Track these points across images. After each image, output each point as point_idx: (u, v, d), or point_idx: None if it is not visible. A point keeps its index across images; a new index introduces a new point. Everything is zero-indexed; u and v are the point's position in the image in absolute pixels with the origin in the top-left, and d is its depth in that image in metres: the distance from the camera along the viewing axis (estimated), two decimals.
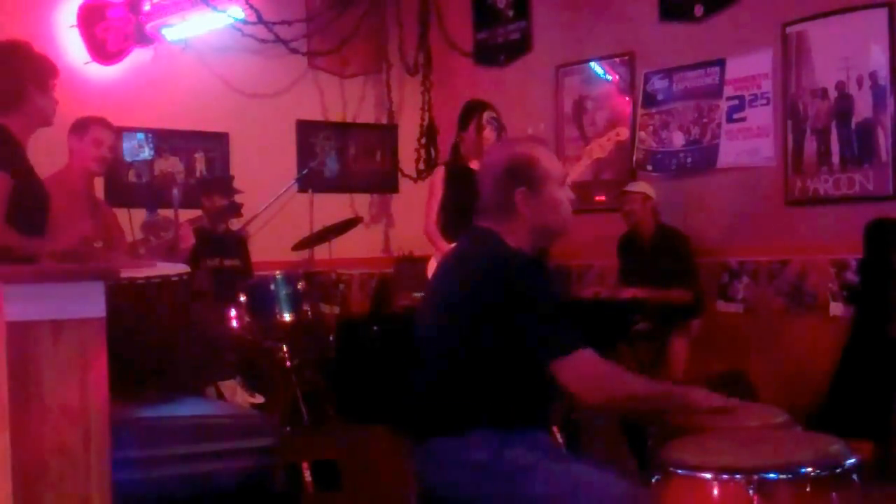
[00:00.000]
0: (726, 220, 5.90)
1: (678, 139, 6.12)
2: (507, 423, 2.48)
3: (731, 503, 2.10)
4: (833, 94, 5.36)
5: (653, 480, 2.25)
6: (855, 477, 2.17)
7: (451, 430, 2.49)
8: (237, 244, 6.00)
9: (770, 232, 5.69)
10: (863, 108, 5.24)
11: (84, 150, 4.40)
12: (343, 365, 5.08)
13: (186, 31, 6.41)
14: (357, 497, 4.20)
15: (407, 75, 7.27)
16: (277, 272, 5.50)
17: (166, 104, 6.47)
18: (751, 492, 2.06)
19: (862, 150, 5.26)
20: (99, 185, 5.46)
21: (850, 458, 2.17)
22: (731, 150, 5.82)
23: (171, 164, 6.58)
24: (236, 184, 6.02)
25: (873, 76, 5.19)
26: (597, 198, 6.58)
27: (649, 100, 6.28)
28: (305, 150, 7.15)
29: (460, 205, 4.93)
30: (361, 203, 7.35)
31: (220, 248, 5.80)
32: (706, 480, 2.13)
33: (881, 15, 5.15)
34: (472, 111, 5.19)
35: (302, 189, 6.74)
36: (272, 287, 5.41)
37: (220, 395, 4.70)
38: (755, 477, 2.08)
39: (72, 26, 6.15)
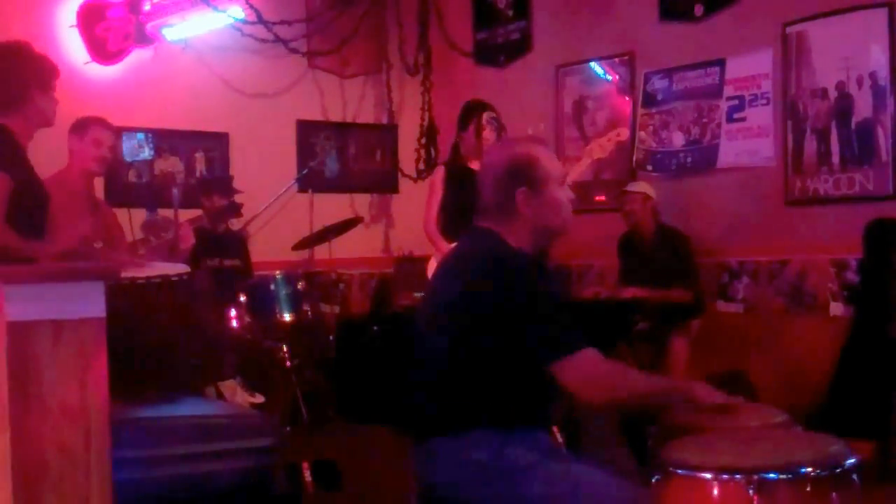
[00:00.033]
0: (726, 220, 5.90)
1: (678, 139, 6.12)
2: (508, 423, 2.48)
3: (731, 503, 2.10)
4: (833, 94, 5.36)
5: (653, 480, 2.25)
6: (855, 477, 2.17)
7: (451, 430, 2.49)
8: (237, 244, 6.00)
9: (770, 232, 5.69)
10: (863, 108, 5.24)
11: (84, 150, 4.41)
12: (343, 365, 5.08)
13: (186, 31, 6.41)
14: (357, 497, 4.20)
15: (407, 75, 7.27)
16: (277, 272, 5.50)
17: (166, 104, 6.47)
18: (751, 492, 2.06)
19: (862, 150, 5.26)
20: (99, 185, 5.46)
21: (850, 458, 2.17)
22: (731, 150, 5.82)
23: (171, 164, 6.58)
24: (236, 184, 6.02)
25: (873, 76, 5.20)
26: (597, 198, 6.58)
27: (649, 100, 6.28)
28: (305, 150, 7.15)
29: (460, 205, 4.94)
30: (361, 203, 7.36)
31: (220, 248, 5.80)
32: (706, 480, 2.13)
33: (881, 15, 5.16)
34: (471, 111, 5.19)
35: (302, 189, 6.74)
36: (272, 287, 5.41)
37: (220, 395, 4.70)
38: (755, 477, 2.08)
39: (72, 26, 6.15)
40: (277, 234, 6.42)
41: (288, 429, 5.04)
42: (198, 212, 5.69)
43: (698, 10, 5.98)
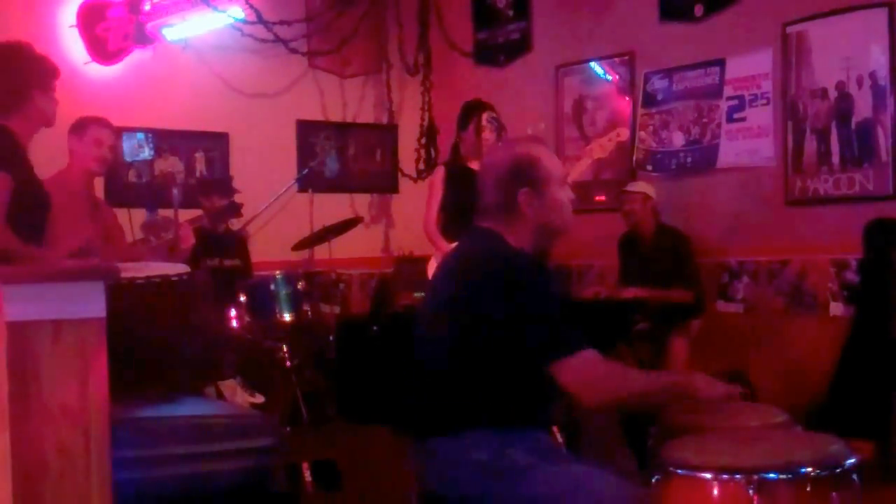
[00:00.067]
0: (726, 220, 5.90)
1: (678, 139, 6.12)
2: (508, 423, 2.48)
3: (731, 503, 2.11)
4: (833, 94, 5.36)
5: (653, 480, 2.25)
6: (855, 477, 2.17)
7: (451, 430, 2.49)
8: (237, 244, 6.00)
9: (770, 232, 5.69)
10: (863, 108, 5.24)
11: (84, 150, 4.40)
12: (343, 365, 5.08)
13: (186, 31, 6.41)
14: (357, 497, 4.20)
15: (407, 75, 7.27)
16: (277, 272, 5.49)
17: (166, 104, 6.47)
18: (751, 492, 2.06)
19: (862, 150, 5.26)
20: (99, 185, 5.46)
21: (850, 458, 2.17)
22: (731, 150, 5.82)
23: (171, 164, 6.58)
24: (236, 184, 6.02)
25: (873, 76, 5.20)
26: (597, 198, 6.58)
27: (649, 100, 6.28)
28: (305, 150, 7.15)
29: (460, 205, 4.94)
30: (361, 203, 7.36)
31: (220, 248, 5.80)
32: (706, 480, 2.13)
33: (881, 15, 5.16)
34: (471, 111, 5.19)
35: (302, 189, 6.74)
36: (272, 287, 5.40)
37: (220, 395, 4.69)
38: (755, 477, 2.08)
39: (72, 26, 6.15)
40: (277, 234, 6.42)
41: (288, 429, 5.03)
42: (198, 212, 5.69)
43: (698, 10, 5.98)
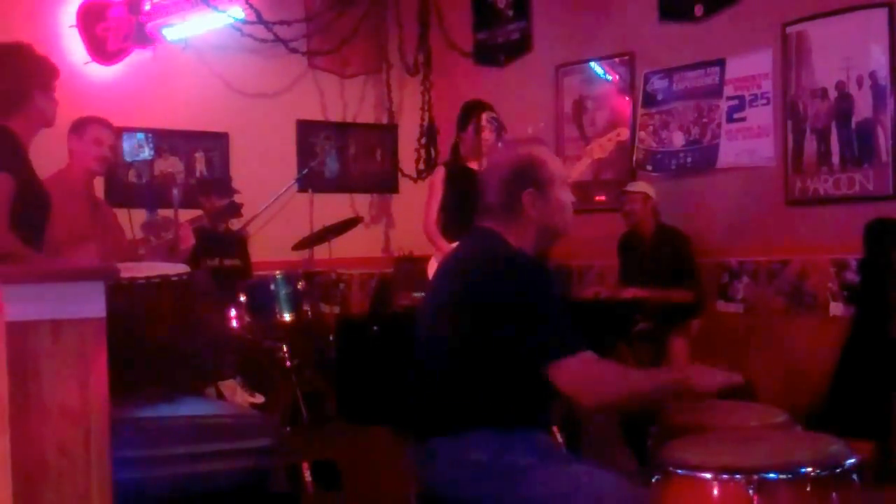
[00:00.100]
0: (726, 220, 5.90)
1: (678, 139, 6.12)
2: (508, 423, 2.48)
3: (731, 503, 2.11)
4: (833, 94, 5.36)
5: (653, 480, 2.25)
6: (855, 477, 2.17)
7: (451, 431, 2.49)
8: (237, 244, 6.00)
9: (770, 232, 5.70)
10: (863, 108, 5.24)
11: (84, 149, 4.40)
12: (343, 365, 5.07)
13: (186, 31, 6.41)
14: (357, 497, 4.20)
15: (407, 75, 7.27)
16: (277, 272, 5.49)
17: (166, 104, 6.47)
18: (751, 492, 2.06)
19: (862, 150, 5.26)
20: (99, 185, 5.45)
21: (850, 458, 2.17)
22: (731, 150, 5.82)
23: (171, 164, 6.59)
24: (236, 184, 6.02)
25: (873, 76, 5.20)
26: (597, 198, 6.58)
27: (649, 100, 6.28)
28: (305, 150, 7.15)
29: (460, 205, 4.94)
30: (361, 203, 7.36)
31: (220, 248, 5.80)
32: (706, 480, 2.13)
33: (881, 15, 5.15)
34: (470, 111, 5.19)
35: (302, 189, 6.74)
36: (272, 287, 5.40)
37: (220, 395, 4.69)
38: (755, 477, 2.08)
39: (72, 26, 6.16)
40: (277, 234, 6.41)
41: (288, 429, 5.04)
42: (198, 212, 5.67)
43: (698, 10, 5.98)
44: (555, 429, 3.43)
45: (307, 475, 4.16)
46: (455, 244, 3.14)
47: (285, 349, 5.34)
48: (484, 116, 5.07)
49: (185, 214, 5.06)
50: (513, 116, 5.98)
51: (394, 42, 7.33)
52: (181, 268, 3.76)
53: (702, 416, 2.69)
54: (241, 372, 5.04)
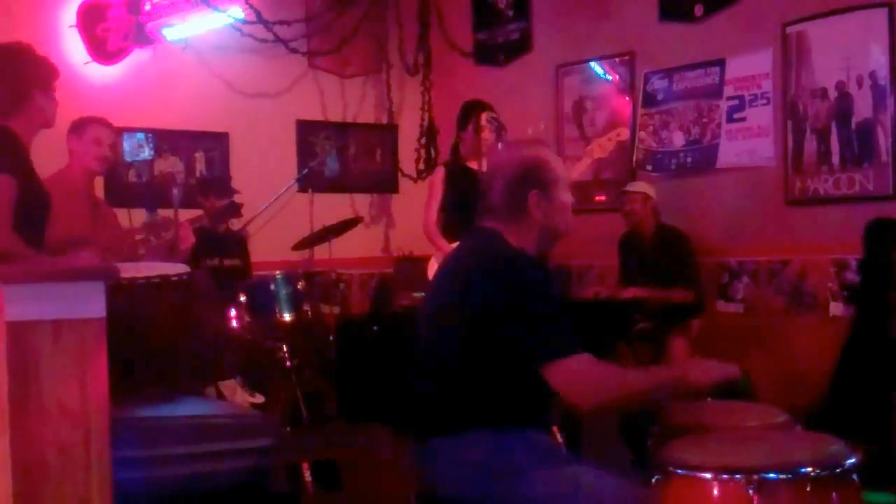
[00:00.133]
0: (726, 220, 5.90)
1: (678, 139, 6.12)
2: (508, 423, 2.48)
3: (731, 503, 2.11)
4: (833, 94, 5.36)
5: (653, 480, 2.25)
6: (855, 477, 2.17)
7: (451, 430, 2.49)
8: (237, 244, 6.00)
9: (770, 232, 5.70)
10: (863, 108, 5.24)
11: (84, 149, 4.40)
12: (343, 365, 5.08)
13: (186, 31, 6.41)
14: (357, 497, 4.20)
15: (407, 75, 7.27)
16: (277, 272, 5.50)
17: (166, 104, 6.47)
18: (751, 492, 2.06)
19: (862, 150, 5.26)
20: (99, 185, 5.46)
21: (850, 458, 2.17)
22: (731, 150, 5.82)
23: (171, 164, 6.59)
24: (236, 184, 6.02)
25: (873, 76, 5.20)
26: (597, 198, 6.58)
27: (649, 100, 6.28)
28: (305, 150, 7.15)
29: (460, 205, 4.94)
30: (361, 203, 7.36)
31: (220, 248, 5.80)
32: (706, 480, 2.13)
33: (881, 15, 5.15)
34: (470, 111, 5.19)
35: (302, 189, 6.74)
36: (272, 287, 5.41)
37: (220, 395, 4.70)
38: (755, 477, 2.08)
39: (72, 26, 6.15)
40: (277, 234, 6.41)
41: (288, 429, 5.04)
42: (198, 212, 5.68)
43: (698, 10, 5.98)
44: (555, 429, 3.43)
45: (307, 475, 4.16)
46: (455, 244, 3.14)
47: (285, 349, 5.34)
48: (484, 116, 5.06)
49: (185, 214, 5.06)
50: (513, 116, 5.98)
51: (394, 42, 7.33)
52: (181, 268, 3.76)
53: (702, 416, 2.69)
54: (241, 372, 5.05)
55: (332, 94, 7.29)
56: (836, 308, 5.34)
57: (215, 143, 6.74)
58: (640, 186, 5.90)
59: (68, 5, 6.17)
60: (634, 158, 6.34)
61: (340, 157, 7.35)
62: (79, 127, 4.43)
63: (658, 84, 6.23)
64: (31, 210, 3.35)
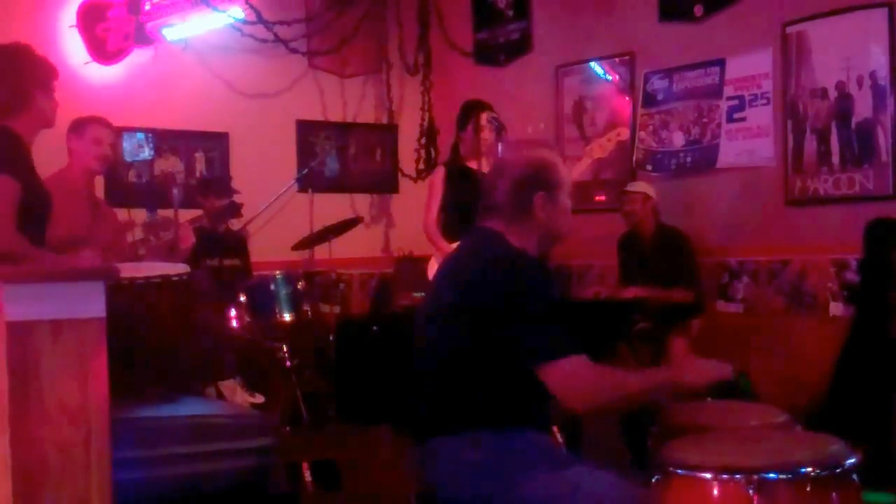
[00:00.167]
0: (726, 220, 5.90)
1: (678, 139, 6.12)
2: (508, 423, 2.48)
3: (731, 503, 2.11)
4: (833, 94, 5.36)
5: (653, 480, 2.25)
6: (855, 477, 2.17)
7: (451, 430, 2.49)
8: (237, 244, 6.00)
9: (770, 232, 5.69)
10: (863, 108, 5.24)
11: (84, 148, 4.40)
12: (343, 365, 5.07)
13: (186, 31, 6.41)
14: (357, 497, 4.20)
15: (407, 75, 7.27)
16: (277, 272, 5.50)
17: (166, 104, 6.47)
18: (751, 492, 2.06)
19: (862, 150, 5.26)
20: (99, 185, 5.46)
21: (850, 458, 2.17)
22: (731, 150, 5.82)
23: (171, 164, 6.58)
24: (236, 184, 6.02)
25: (873, 76, 5.19)
26: (597, 198, 6.58)
27: (649, 100, 6.28)
28: (305, 150, 7.15)
29: (460, 205, 4.94)
30: (361, 203, 7.35)
31: (220, 248, 5.80)
32: (706, 480, 2.13)
33: (881, 15, 5.15)
34: (469, 111, 5.19)
35: (302, 189, 6.74)
36: (272, 287, 5.41)
37: (220, 395, 4.70)
38: (755, 477, 2.08)
39: (72, 26, 6.15)
40: (277, 234, 6.41)
41: (288, 429, 5.04)
42: (198, 212, 5.69)
43: (698, 10, 5.98)
44: (555, 429, 3.43)
45: (307, 475, 4.16)
46: (455, 244, 3.14)
47: (285, 349, 5.34)
48: (483, 116, 5.06)
49: (185, 214, 5.08)
50: (513, 116, 5.99)
51: (394, 42, 7.33)
52: (181, 268, 3.76)
53: (702, 416, 2.69)
54: (241, 372, 5.05)
55: (332, 94, 7.29)
56: (836, 308, 5.34)
57: (215, 143, 6.74)
58: (640, 186, 5.89)
59: (68, 5, 6.16)
60: (634, 158, 6.34)
61: (340, 157, 7.35)
62: (78, 127, 4.43)
63: (658, 84, 6.23)
64: (33, 210, 3.35)
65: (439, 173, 5.32)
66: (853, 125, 5.28)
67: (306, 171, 6.80)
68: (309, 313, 5.42)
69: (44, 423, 2.27)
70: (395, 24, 7.29)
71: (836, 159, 5.37)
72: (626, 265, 5.95)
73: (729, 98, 5.83)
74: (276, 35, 6.60)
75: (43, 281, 2.35)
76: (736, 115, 5.80)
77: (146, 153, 6.45)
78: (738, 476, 2.10)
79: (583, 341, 2.44)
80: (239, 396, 4.89)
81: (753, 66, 5.72)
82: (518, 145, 3.75)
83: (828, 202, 5.41)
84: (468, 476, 2.45)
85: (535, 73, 6.95)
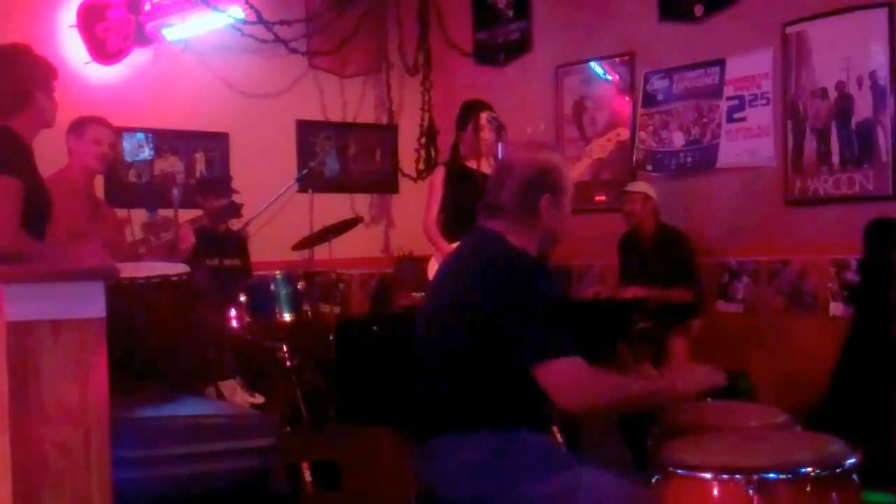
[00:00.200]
0: (726, 220, 5.90)
1: (678, 139, 6.12)
2: (508, 423, 2.48)
3: (731, 503, 2.11)
4: (833, 94, 5.36)
5: (653, 480, 2.26)
6: (855, 477, 2.17)
7: (451, 430, 2.49)
8: (237, 244, 6.00)
9: (770, 232, 5.69)
10: (863, 108, 5.24)
11: (84, 148, 4.40)
12: (343, 365, 5.07)
13: (186, 31, 6.41)
14: (357, 497, 4.20)
15: (407, 75, 7.27)
16: (277, 272, 5.50)
17: (166, 104, 6.47)
18: (751, 492, 2.07)
19: (862, 150, 5.26)
20: (99, 185, 5.45)
21: (850, 458, 2.17)
22: (731, 150, 5.82)
23: (171, 164, 6.58)
24: (236, 184, 6.02)
25: (873, 76, 5.19)
26: (597, 198, 6.57)
27: (649, 100, 6.28)
28: (305, 150, 7.15)
29: (460, 205, 4.94)
30: (361, 203, 7.35)
31: (220, 248, 5.80)
32: (706, 480, 2.13)
33: (881, 15, 5.15)
34: (469, 111, 5.19)
35: (302, 189, 6.74)
36: (272, 287, 5.41)
37: (220, 395, 4.70)
38: (755, 477, 2.08)
39: (72, 26, 6.15)
40: (277, 234, 6.41)
41: (288, 429, 5.04)
42: (198, 212, 5.69)
43: (698, 10, 5.98)
44: (555, 429, 3.43)
45: (307, 475, 4.16)
46: (455, 244, 3.14)
47: (285, 349, 5.34)
48: (483, 116, 5.06)
49: (185, 214, 5.07)
50: (513, 116, 5.98)
51: (394, 42, 7.33)
52: (181, 268, 3.76)
53: (702, 416, 2.69)
54: (241, 372, 5.05)
55: (332, 94, 7.29)
56: (836, 308, 5.34)
57: (215, 143, 6.74)
58: (640, 186, 5.89)
59: (68, 5, 6.16)
60: (634, 158, 6.34)
61: (340, 157, 7.35)
62: (78, 127, 4.43)
63: (658, 84, 6.23)
64: (34, 210, 3.35)
65: (439, 173, 5.32)
66: (853, 125, 5.28)
67: (306, 171, 6.81)
68: (309, 313, 5.43)
69: (44, 423, 2.27)
70: (395, 24, 7.28)
71: (836, 159, 5.37)
72: (626, 265, 5.95)
73: (729, 98, 5.83)
74: (276, 35, 6.60)
75: (43, 281, 2.35)
76: (736, 115, 5.80)
77: (146, 153, 6.45)
78: (738, 476, 2.10)
79: (583, 341, 2.44)
80: (239, 396, 4.89)
81: (753, 66, 5.72)
82: (527, 146, 3.75)
83: (828, 202, 5.41)
84: (468, 476, 2.45)
85: (535, 73, 6.95)
